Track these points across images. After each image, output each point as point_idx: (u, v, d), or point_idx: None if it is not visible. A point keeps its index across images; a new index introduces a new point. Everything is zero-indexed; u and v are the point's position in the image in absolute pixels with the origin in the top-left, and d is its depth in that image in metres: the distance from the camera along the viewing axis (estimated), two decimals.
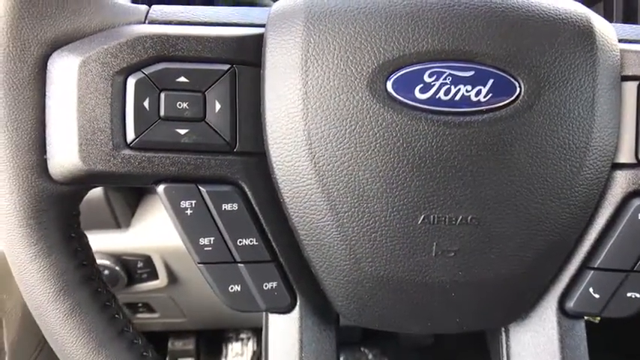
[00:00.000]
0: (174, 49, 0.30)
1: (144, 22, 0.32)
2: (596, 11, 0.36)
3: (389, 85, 0.29)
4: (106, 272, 0.65)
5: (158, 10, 0.33)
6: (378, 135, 0.29)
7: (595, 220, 0.32)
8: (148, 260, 0.67)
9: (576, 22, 0.31)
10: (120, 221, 0.64)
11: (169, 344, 1.06)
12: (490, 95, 0.29)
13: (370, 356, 1.13)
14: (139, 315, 0.82)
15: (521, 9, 0.30)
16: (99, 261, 0.65)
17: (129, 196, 0.65)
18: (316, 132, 0.30)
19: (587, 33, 0.30)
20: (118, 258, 0.66)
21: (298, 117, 0.30)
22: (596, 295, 0.33)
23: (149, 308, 0.80)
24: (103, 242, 0.65)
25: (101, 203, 0.61)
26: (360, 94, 0.29)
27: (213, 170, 0.31)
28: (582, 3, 0.33)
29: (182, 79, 0.30)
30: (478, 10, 0.30)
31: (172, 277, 0.71)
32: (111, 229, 0.64)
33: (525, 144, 0.30)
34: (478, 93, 0.29)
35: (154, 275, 0.69)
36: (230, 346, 1.13)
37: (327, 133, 0.30)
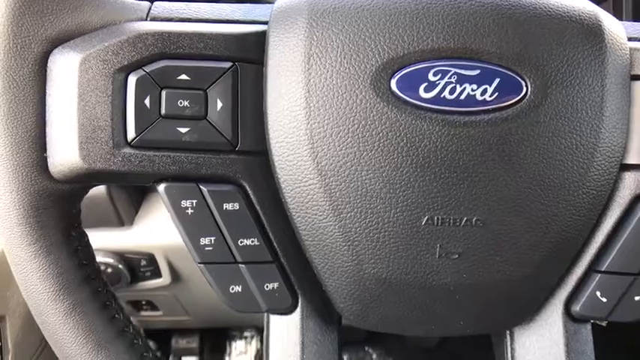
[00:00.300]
0: (175, 47, 0.30)
1: (145, 19, 0.32)
2: (605, 9, 0.35)
3: (393, 83, 0.29)
4: (109, 270, 0.65)
5: (160, 7, 0.33)
6: (381, 134, 0.29)
7: (602, 222, 0.32)
8: (151, 258, 0.67)
9: (585, 20, 0.30)
10: (123, 219, 0.64)
11: (173, 342, 1.06)
12: (496, 94, 0.29)
13: (374, 356, 1.13)
14: (143, 313, 0.82)
15: (528, 6, 0.30)
16: (102, 259, 0.65)
17: (132, 194, 0.65)
18: (319, 131, 0.29)
19: (595, 31, 0.30)
20: (122, 256, 0.66)
21: (300, 115, 0.29)
22: (603, 299, 0.32)
23: (152, 306, 0.80)
24: (106, 240, 0.65)
25: (104, 201, 0.61)
26: (364, 93, 0.29)
27: (214, 169, 0.30)
28: (591, 1, 0.33)
29: (183, 76, 0.30)
30: (484, 8, 0.29)
31: (175, 276, 0.71)
32: (114, 227, 0.64)
33: (532, 144, 0.29)
34: (484, 92, 0.29)
35: (157, 273, 0.69)
36: (234, 345, 1.13)
37: (330, 132, 0.29)
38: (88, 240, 0.34)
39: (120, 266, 0.65)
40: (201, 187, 0.31)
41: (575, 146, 0.29)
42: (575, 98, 0.29)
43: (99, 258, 0.65)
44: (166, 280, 0.70)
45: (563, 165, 0.30)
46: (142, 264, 0.66)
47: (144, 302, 0.79)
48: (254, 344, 1.12)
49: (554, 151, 0.29)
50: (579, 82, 0.29)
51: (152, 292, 0.74)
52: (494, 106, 0.29)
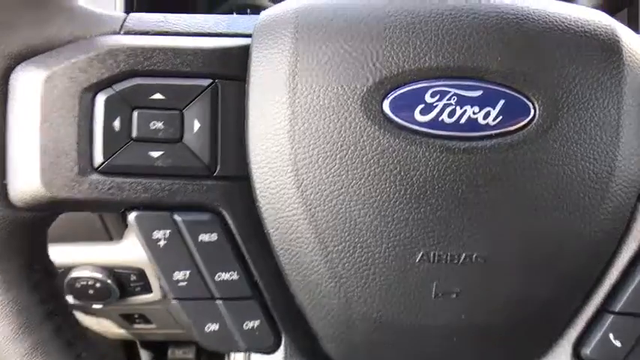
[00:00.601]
0: (149, 63, 0.28)
1: (118, 33, 0.29)
2: (620, 20, 0.32)
3: (386, 105, 0.26)
4: (98, 285, 0.63)
5: (135, 19, 0.30)
6: (372, 161, 0.26)
7: (617, 257, 0.29)
8: (141, 273, 0.64)
9: (601, 34, 0.27)
10: (112, 233, 0.61)
11: (169, 353, 1.04)
12: (500, 118, 0.26)
13: None
14: (136, 326, 0.80)
15: (537, 20, 0.27)
16: (90, 274, 0.63)
17: None
18: (303, 156, 0.27)
19: (612, 47, 0.27)
20: (111, 271, 0.63)
21: (284, 139, 0.27)
22: (617, 343, 0.29)
23: (145, 319, 0.78)
24: (94, 255, 0.63)
25: (92, 214, 0.59)
26: (353, 115, 0.26)
27: (190, 197, 0.28)
28: (604, 10, 0.30)
29: (157, 95, 0.27)
30: (488, 22, 0.26)
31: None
32: (103, 241, 0.62)
33: (539, 173, 0.26)
34: (487, 115, 0.26)
35: (147, 289, 0.66)
36: (232, 355, 1.10)
37: (316, 158, 0.27)
38: (53, 270, 0.32)
39: (109, 281, 0.63)
40: (175, 216, 0.28)
41: (588, 175, 0.27)
42: (588, 122, 0.26)
43: (87, 273, 0.63)
44: (157, 296, 0.68)
45: (575, 196, 0.27)
46: (131, 279, 0.64)
47: (136, 315, 0.77)
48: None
49: (565, 181, 0.26)
50: (593, 104, 0.27)
51: (144, 307, 0.72)
52: (498, 131, 0.26)
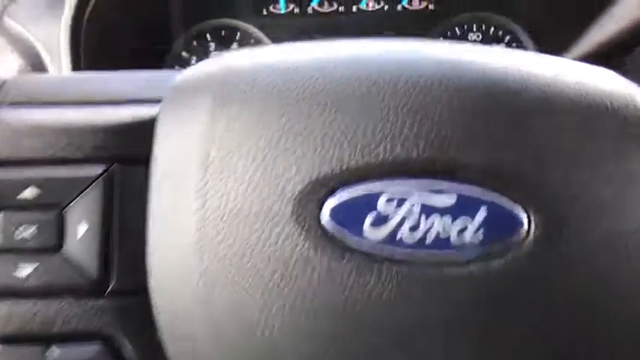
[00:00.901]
0: (19, 149, 0.21)
1: None
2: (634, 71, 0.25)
3: (324, 214, 0.20)
4: None
5: (17, 84, 0.24)
6: (306, 291, 0.19)
7: None
8: None
9: (618, 108, 0.21)
10: None
11: None
12: (481, 234, 0.19)
13: None
14: None
15: (531, 92, 0.20)
16: None
17: None
18: (214, 278, 0.20)
19: (634, 125, 0.20)
20: None
21: (190, 253, 0.20)
22: None
23: None
24: None
25: None
26: (281, 227, 0.20)
27: (72, 323, 0.22)
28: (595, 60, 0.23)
29: (29, 192, 0.21)
30: (465, 99, 0.20)
31: None
32: None
33: (535, 309, 0.19)
34: (462, 231, 0.19)
35: None
36: None
37: (231, 281, 0.20)
38: None
39: None
40: (51, 350, 0.22)
41: (605, 307, 0.20)
42: (605, 235, 0.19)
43: None
44: None
45: (582, 336, 0.20)
46: None
47: None
48: None
49: (568, 319, 0.19)
50: (610, 210, 0.20)
51: None
52: (477, 254, 0.19)
